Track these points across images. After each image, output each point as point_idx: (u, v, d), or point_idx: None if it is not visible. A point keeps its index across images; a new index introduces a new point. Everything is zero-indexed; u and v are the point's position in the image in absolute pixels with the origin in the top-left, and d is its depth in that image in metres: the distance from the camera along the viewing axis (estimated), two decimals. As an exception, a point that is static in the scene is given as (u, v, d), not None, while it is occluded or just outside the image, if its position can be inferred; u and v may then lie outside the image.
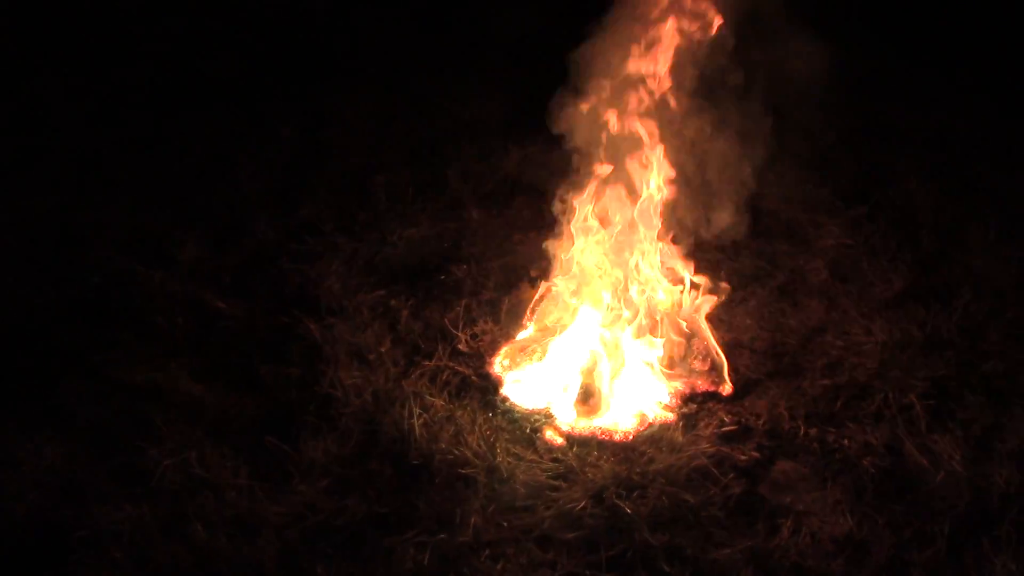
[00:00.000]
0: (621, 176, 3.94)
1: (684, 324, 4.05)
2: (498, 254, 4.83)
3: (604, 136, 3.88)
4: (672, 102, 3.88)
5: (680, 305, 4.07)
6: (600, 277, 4.00)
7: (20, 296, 4.48)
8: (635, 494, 3.41)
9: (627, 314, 3.95)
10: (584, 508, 3.35)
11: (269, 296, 4.53)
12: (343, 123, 6.14)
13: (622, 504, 3.35)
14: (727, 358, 4.03)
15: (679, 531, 3.27)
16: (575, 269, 4.06)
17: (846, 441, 3.67)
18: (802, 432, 3.72)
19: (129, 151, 5.83)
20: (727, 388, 3.95)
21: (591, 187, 3.96)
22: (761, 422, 3.78)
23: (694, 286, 4.10)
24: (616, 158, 3.92)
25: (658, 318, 4.00)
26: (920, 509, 3.37)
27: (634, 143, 3.90)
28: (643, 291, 3.99)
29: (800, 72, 4.14)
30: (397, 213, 5.24)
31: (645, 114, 3.87)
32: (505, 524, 3.31)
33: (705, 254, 4.61)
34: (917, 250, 4.80)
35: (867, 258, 4.72)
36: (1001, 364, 3.98)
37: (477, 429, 3.69)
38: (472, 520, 3.31)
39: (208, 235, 4.97)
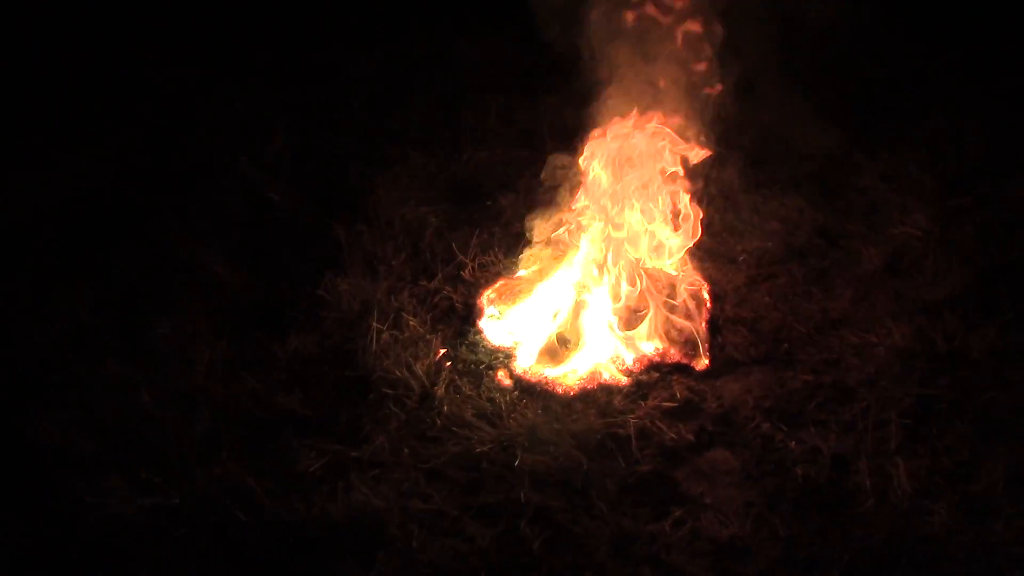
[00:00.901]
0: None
1: (673, 290, 3.87)
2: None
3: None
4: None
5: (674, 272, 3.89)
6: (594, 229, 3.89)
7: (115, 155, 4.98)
8: (540, 449, 3.37)
9: (610, 271, 3.84)
10: (486, 453, 3.38)
11: (324, 197, 4.76)
12: (454, 52, 6.15)
13: (521, 455, 3.34)
14: (709, 333, 3.83)
15: (560, 495, 3.22)
16: (581, 218, 3.97)
17: (793, 443, 3.41)
18: (754, 424, 3.50)
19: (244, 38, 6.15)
20: (702, 363, 3.75)
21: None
22: (716, 406, 3.59)
23: (692, 252, 3.90)
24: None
25: (643, 280, 3.84)
26: (831, 531, 3.11)
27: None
28: (634, 250, 3.85)
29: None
30: (477, 137, 5.27)
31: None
32: (406, 451, 3.40)
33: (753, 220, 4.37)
34: (995, 256, 4.23)
35: (935, 254, 4.22)
36: (1007, 397, 3.50)
37: (431, 356, 3.76)
38: (378, 440, 3.43)
39: (298, 131, 5.24)
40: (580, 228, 3.94)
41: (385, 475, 3.33)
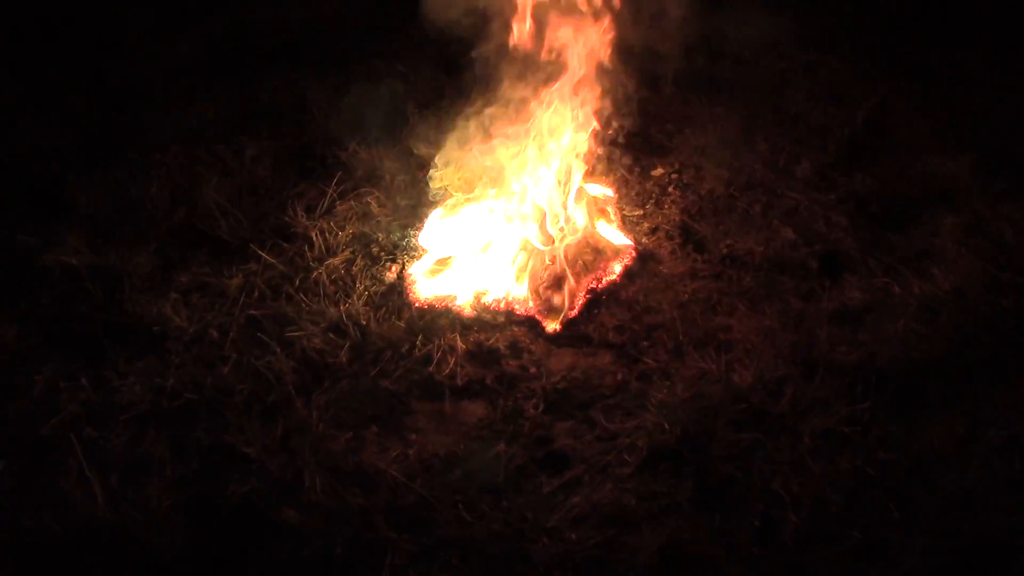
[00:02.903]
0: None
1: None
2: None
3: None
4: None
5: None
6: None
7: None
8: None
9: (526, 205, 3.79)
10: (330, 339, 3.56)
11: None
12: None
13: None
14: (584, 305, 3.64)
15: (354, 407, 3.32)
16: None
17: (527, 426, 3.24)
18: (533, 401, 3.35)
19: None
20: (551, 327, 3.61)
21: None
22: (518, 366, 3.47)
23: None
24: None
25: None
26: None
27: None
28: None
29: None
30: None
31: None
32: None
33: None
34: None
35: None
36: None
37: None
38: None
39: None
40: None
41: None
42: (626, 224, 4.01)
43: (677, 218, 4.00)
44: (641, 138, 4.50)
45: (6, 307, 3.64)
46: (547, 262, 3.66)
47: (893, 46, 4.92)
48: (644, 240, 3.93)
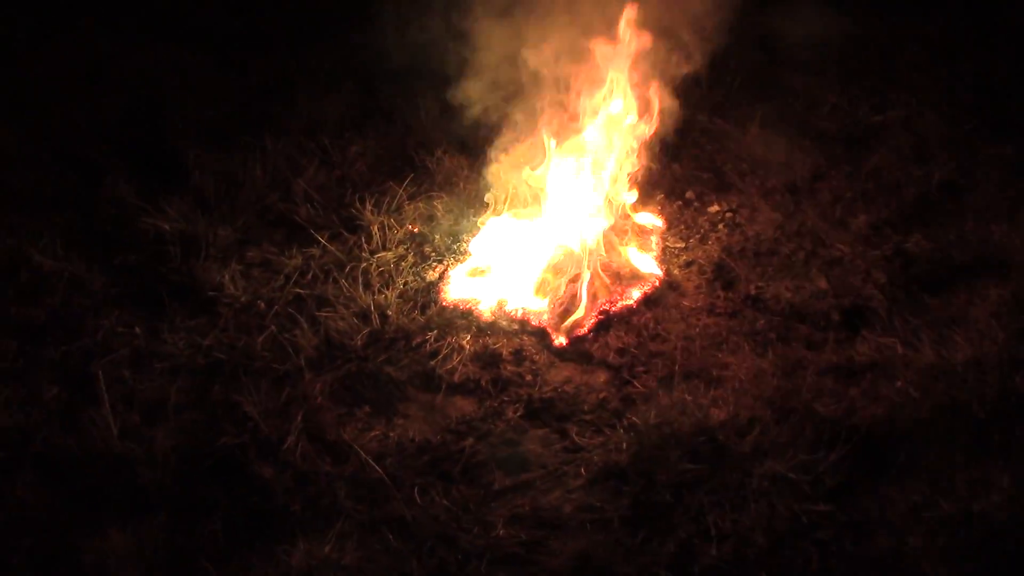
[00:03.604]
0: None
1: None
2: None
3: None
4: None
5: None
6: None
7: None
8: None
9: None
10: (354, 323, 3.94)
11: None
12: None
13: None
14: (595, 323, 3.82)
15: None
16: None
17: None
18: (514, 406, 3.57)
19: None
20: (559, 340, 3.81)
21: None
22: (514, 372, 3.69)
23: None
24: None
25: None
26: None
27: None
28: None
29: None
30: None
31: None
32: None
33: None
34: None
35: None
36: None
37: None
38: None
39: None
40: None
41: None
42: (665, 254, 4.12)
43: (716, 255, 4.08)
44: (714, 173, 4.58)
45: (101, 259, 4.17)
46: (568, 281, 3.82)
47: (993, 107, 4.74)
48: (676, 271, 4.03)
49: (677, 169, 4.57)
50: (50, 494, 3.18)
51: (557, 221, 3.98)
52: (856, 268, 3.95)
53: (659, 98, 3.91)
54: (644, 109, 3.93)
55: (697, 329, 3.75)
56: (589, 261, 3.84)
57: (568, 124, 4.10)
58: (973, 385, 3.31)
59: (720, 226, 4.27)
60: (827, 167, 4.52)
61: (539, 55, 3.93)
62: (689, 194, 4.47)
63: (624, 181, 4.03)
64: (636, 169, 4.05)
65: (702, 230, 4.27)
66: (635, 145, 3.95)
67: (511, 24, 3.99)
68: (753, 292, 3.90)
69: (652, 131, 3.95)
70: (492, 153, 4.22)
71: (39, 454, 3.31)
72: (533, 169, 4.07)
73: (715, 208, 4.35)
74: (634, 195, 4.10)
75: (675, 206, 4.40)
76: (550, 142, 3.97)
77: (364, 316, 3.83)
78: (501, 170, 4.22)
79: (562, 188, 4.00)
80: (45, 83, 5.21)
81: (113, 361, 3.67)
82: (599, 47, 3.81)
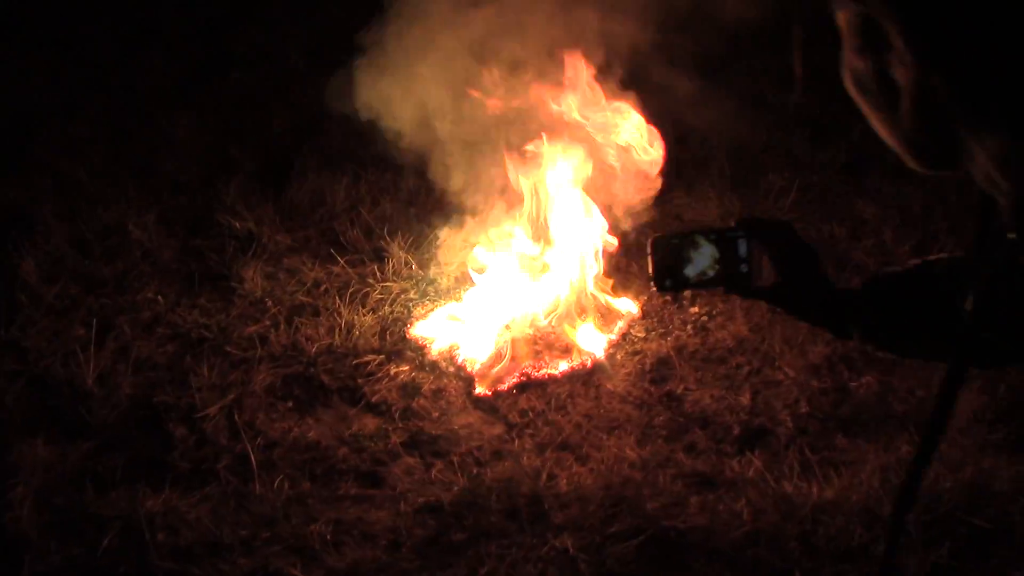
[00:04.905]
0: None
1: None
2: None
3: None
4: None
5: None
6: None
7: None
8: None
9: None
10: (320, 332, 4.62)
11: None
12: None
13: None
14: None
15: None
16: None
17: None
18: (476, 447, 4.02)
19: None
20: (480, 391, 4.18)
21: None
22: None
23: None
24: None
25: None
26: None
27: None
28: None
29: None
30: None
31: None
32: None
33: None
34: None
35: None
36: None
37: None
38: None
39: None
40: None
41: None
42: (624, 340, 4.35)
43: (666, 351, 4.25)
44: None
45: (182, 239, 5.05)
46: (509, 340, 4.19)
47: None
48: (619, 356, 4.25)
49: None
50: (17, 403, 3.97)
51: (522, 286, 4.32)
52: (788, 394, 3.98)
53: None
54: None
55: (601, 411, 3.96)
56: (531, 327, 4.16)
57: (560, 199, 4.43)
58: (804, 529, 3.32)
59: (689, 327, 4.41)
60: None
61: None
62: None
63: (597, 263, 4.30)
64: (612, 251, 4.31)
65: (669, 326, 4.44)
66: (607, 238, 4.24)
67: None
68: (678, 392, 4.04)
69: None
70: (490, 217, 4.64)
71: (35, 375, 4.13)
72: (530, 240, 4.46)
73: (695, 309, 4.49)
74: (602, 278, 4.35)
75: (661, 300, 4.58)
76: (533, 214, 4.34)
77: (332, 329, 4.37)
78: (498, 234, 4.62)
79: (536, 258, 4.34)
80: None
81: (133, 320, 4.46)
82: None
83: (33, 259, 4.82)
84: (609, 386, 4.11)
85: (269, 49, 6.68)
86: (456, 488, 3.56)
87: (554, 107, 4.24)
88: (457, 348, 4.29)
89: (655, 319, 4.51)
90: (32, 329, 4.40)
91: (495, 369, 4.14)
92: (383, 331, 4.41)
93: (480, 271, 4.50)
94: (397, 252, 4.90)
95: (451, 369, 4.23)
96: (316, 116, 5.92)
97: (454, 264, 4.78)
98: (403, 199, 5.34)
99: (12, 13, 7.07)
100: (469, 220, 4.92)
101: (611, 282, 4.46)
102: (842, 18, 1.13)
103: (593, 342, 4.25)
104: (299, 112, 6.11)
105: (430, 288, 4.74)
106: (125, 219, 5.13)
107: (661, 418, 3.91)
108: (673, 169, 4.61)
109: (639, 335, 4.41)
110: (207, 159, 5.80)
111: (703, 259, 1.66)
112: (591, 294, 4.36)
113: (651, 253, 1.67)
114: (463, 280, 4.70)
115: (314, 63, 6.33)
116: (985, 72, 1.02)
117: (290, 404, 4.06)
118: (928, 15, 1.01)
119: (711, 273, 1.66)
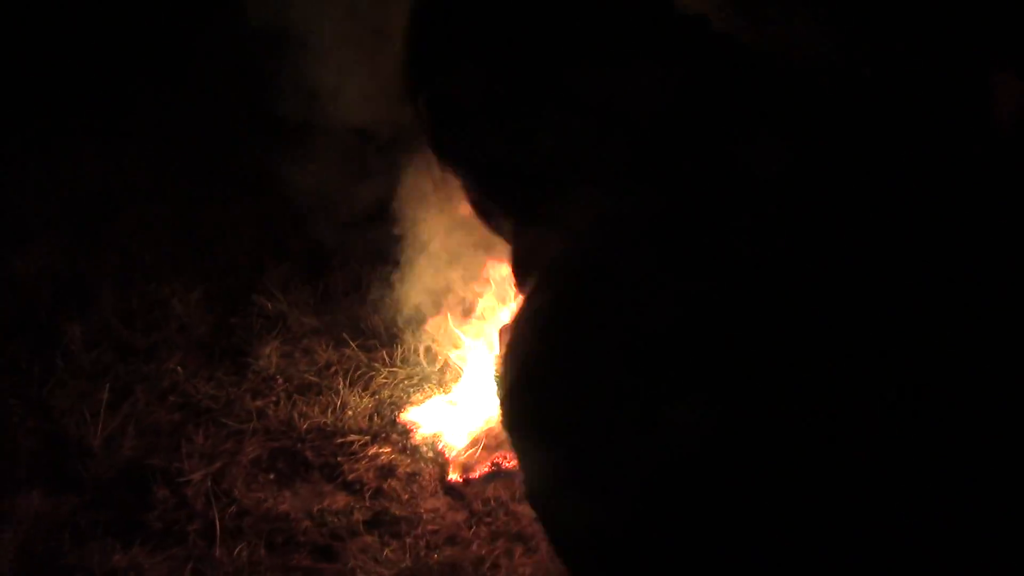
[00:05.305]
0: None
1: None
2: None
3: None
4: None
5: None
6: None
7: None
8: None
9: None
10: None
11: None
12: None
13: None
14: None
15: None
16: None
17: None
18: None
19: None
20: (453, 477, 4.30)
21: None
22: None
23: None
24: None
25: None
26: None
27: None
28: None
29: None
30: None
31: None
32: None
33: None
34: None
35: None
36: None
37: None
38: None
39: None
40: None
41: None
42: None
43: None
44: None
45: (222, 312, 5.40)
46: (485, 431, 4.31)
47: None
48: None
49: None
50: (28, 457, 4.31)
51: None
52: None
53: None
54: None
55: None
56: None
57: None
58: None
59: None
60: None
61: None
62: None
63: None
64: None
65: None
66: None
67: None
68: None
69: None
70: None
71: (50, 432, 4.48)
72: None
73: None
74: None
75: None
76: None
77: (326, 408, 4.58)
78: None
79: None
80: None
81: (150, 387, 4.79)
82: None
83: (80, 326, 5.21)
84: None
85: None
86: (400, 568, 3.64)
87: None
88: (441, 435, 4.40)
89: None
90: (62, 391, 4.74)
91: (468, 457, 4.22)
92: (375, 413, 4.56)
93: (463, 361, 4.64)
94: (409, 339, 5.08)
95: (430, 454, 4.34)
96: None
97: (455, 354, 4.92)
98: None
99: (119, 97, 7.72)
100: (475, 319, 5.11)
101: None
102: None
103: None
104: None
105: (433, 375, 4.88)
106: (171, 295, 5.49)
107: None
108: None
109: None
110: (263, 242, 6.15)
111: None
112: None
113: None
114: (459, 370, 4.83)
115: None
116: None
117: (272, 476, 4.25)
118: None
119: None
